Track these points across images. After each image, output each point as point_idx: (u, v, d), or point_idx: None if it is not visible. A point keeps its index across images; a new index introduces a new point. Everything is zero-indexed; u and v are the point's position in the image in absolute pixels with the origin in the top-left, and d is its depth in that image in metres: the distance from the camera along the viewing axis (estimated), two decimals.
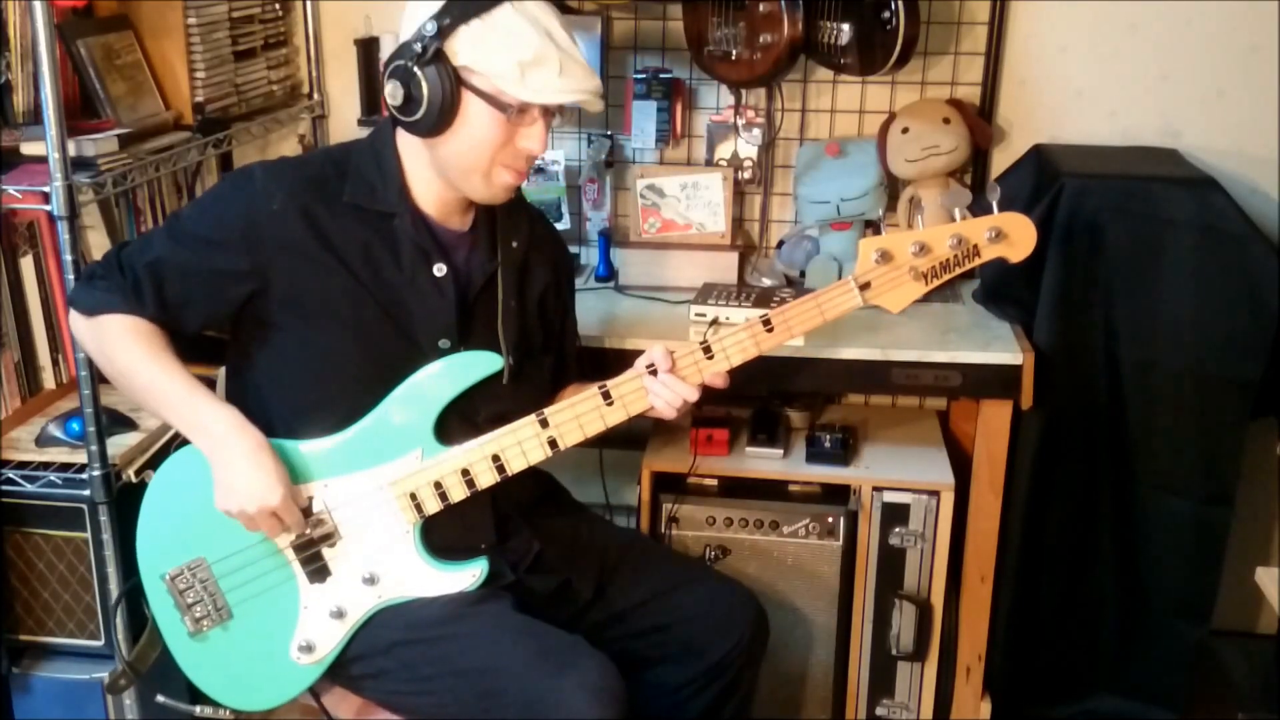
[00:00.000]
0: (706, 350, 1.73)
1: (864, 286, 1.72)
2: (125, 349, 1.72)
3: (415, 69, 1.64)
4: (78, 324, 1.78)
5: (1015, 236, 1.71)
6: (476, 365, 1.75)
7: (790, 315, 1.73)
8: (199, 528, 1.75)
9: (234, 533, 1.72)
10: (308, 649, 1.75)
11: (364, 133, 2.69)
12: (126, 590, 1.91)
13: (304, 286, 1.72)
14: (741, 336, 1.74)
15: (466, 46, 1.63)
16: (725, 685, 1.90)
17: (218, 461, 1.68)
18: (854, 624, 2.39)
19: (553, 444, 1.73)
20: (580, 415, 1.73)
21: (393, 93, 1.66)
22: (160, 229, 1.81)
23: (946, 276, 1.73)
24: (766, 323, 1.73)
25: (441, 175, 1.75)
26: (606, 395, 1.73)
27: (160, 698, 1.87)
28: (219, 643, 1.77)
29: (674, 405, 1.74)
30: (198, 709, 1.84)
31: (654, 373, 1.73)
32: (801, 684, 2.43)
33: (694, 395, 1.73)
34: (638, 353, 2.22)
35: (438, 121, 1.67)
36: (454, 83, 1.65)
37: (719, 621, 1.90)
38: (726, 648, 1.88)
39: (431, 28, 1.63)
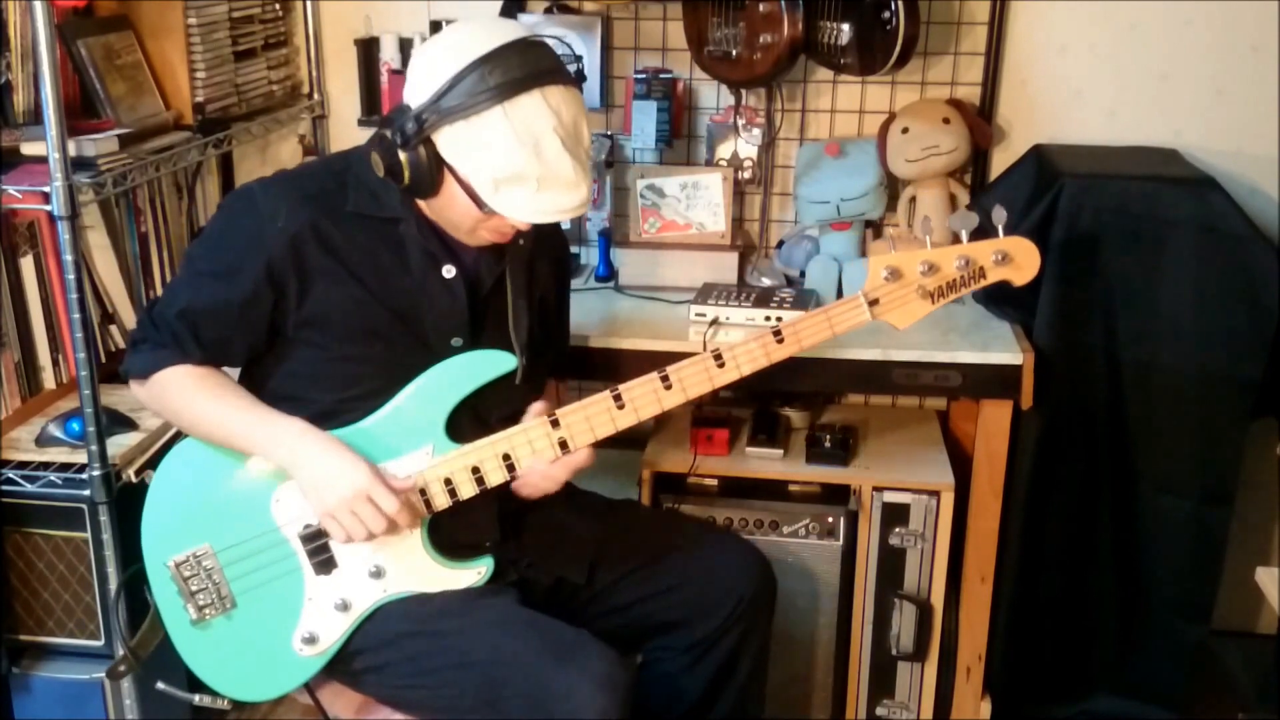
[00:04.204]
0: (718, 359, 1.75)
1: (873, 303, 1.77)
2: (186, 400, 1.75)
3: (398, 151, 1.63)
4: (138, 391, 1.81)
5: (1020, 260, 1.77)
6: (490, 364, 1.76)
7: (800, 327, 1.77)
8: (206, 515, 1.76)
9: (241, 521, 1.73)
10: (311, 640, 1.76)
11: (365, 133, 2.74)
12: (128, 577, 1.91)
13: (317, 300, 1.73)
14: (753, 347, 1.76)
15: (448, 144, 1.61)
16: (732, 646, 1.90)
17: (299, 468, 1.69)
18: (854, 624, 2.39)
19: (563, 445, 1.74)
20: (591, 417, 1.74)
21: (375, 163, 1.66)
22: (179, 277, 1.83)
23: (953, 296, 1.78)
24: (777, 334, 1.76)
25: None
26: (618, 398, 1.74)
27: (160, 685, 1.88)
28: (221, 632, 1.77)
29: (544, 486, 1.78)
30: (196, 697, 1.84)
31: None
32: (801, 684, 2.43)
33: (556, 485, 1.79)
34: (637, 353, 2.26)
35: (420, 195, 1.69)
36: (436, 165, 1.63)
37: (720, 581, 1.90)
38: (730, 605, 1.88)
39: (413, 127, 1.60)
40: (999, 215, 1.76)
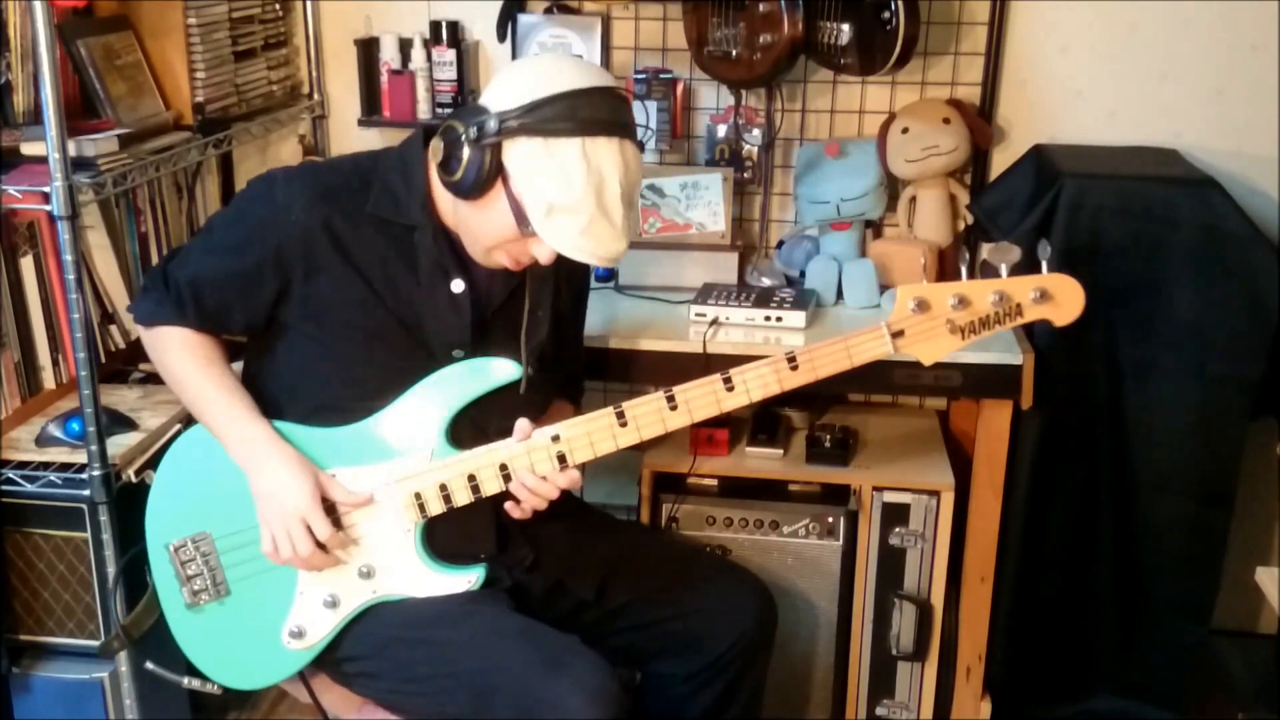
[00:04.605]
0: (727, 382, 1.71)
1: (897, 334, 1.68)
2: (177, 360, 1.80)
3: (465, 145, 1.61)
4: (141, 333, 1.87)
5: (1062, 298, 1.66)
6: (495, 372, 1.76)
7: (816, 356, 1.71)
8: (209, 502, 1.79)
9: (242, 511, 1.75)
10: (298, 634, 1.77)
11: (365, 133, 2.75)
12: (127, 561, 1.93)
13: (321, 294, 1.74)
14: (765, 372, 1.71)
15: (518, 156, 1.60)
16: (731, 678, 1.91)
17: (252, 473, 1.72)
18: (854, 624, 2.39)
19: (561, 459, 1.73)
20: (592, 433, 1.72)
21: (435, 149, 1.65)
22: (196, 240, 1.87)
23: (985, 333, 1.67)
24: (791, 360, 1.71)
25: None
26: (621, 416, 1.72)
27: (149, 664, 1.88)
28: (214, 617, 1.79)
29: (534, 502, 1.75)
30: (185, 680, 1.85)
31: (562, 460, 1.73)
32: (801, 684, 2.43)
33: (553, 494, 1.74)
34: (638, 353, 2.26)
35: (465, 194, 1.65)
36: (494, 173, 1.61)
37: (723, 614, 1.90)
38: (731, 640, 1.89)
39: (494, 125, 1.59)
40: (1044, 250, 1.67)
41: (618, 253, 1.65)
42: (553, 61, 1.66)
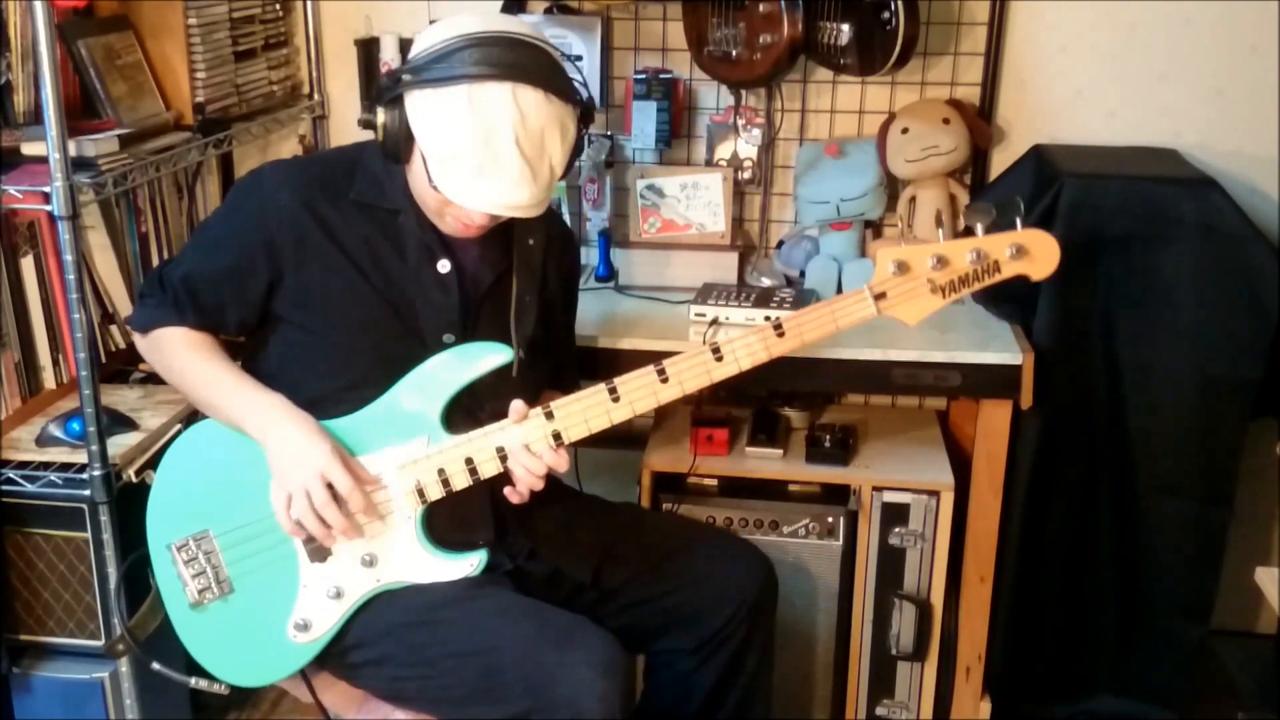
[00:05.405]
0: (716, 352, 1.73)
1: (879, 297, 1.71)
2: (178, 359, 1.82)
3: (377, 105, 1.65)
4: (139, 342, 1.90)
5: (1037, 253, 1.69)
6: (488, 355, 1.76)
7: (803, 321, 1.72)
8: (208, 500, 1.79)
9: (241, 506, 1.75)
10: (304, 627, 1.77)
11: (366, 134, 2.73)
12: (129, 565, 1.93)
13: (312, 283, 1.76)
14: (752, 340, 1.72)
15: (416, 110, 1.63)
16: (736, 647, 1.91)
17: (268, 444, 1.72)
18: (854, 624, 2.39)
19: (557, 437, 1.73)
20: (586, 410, 1.73)
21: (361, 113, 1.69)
22: (190, 243, 1.92)
23: (965, 291, 1.71)
24: (778, 327, 1.72)
25: None
26: (613, 391, 1.73)
27: (155, 665, 1.88)
28: (218, 615, 1.79)
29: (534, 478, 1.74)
30: (192, 680, 1.85)
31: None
32: (801, 684, 2.43)
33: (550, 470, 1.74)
34: (637, 353, 2.26)
35: (392, 157, 1.70)
36: (405, 131, 1.65)
37: (722, 584, 1.90)
38: (732, 608, 1.89)
39: (388, 83, 1.64)
40: (1016, 208, 1.70)
41: (522, 201, 1.64)
42: (464, 15, 1.67)
